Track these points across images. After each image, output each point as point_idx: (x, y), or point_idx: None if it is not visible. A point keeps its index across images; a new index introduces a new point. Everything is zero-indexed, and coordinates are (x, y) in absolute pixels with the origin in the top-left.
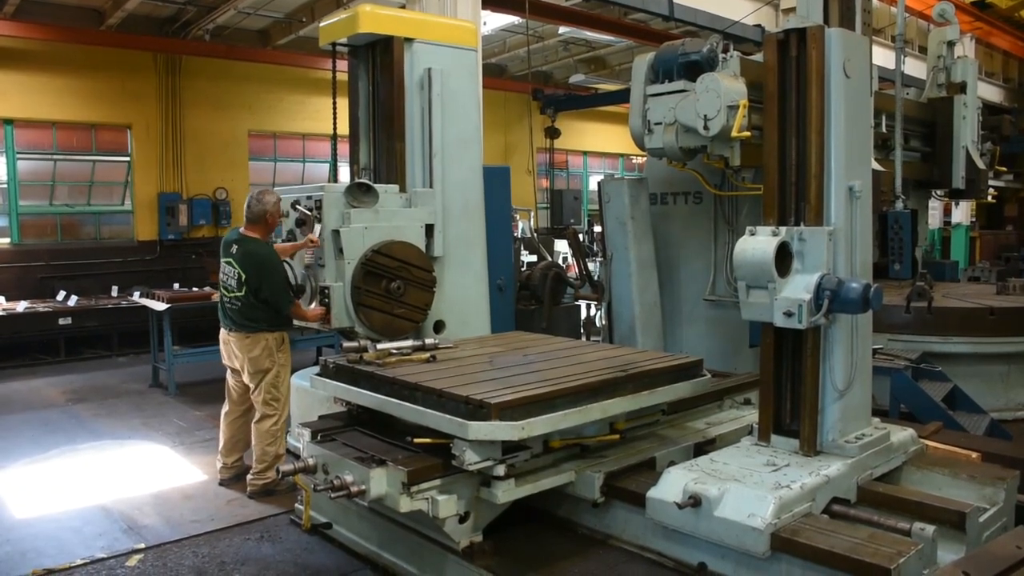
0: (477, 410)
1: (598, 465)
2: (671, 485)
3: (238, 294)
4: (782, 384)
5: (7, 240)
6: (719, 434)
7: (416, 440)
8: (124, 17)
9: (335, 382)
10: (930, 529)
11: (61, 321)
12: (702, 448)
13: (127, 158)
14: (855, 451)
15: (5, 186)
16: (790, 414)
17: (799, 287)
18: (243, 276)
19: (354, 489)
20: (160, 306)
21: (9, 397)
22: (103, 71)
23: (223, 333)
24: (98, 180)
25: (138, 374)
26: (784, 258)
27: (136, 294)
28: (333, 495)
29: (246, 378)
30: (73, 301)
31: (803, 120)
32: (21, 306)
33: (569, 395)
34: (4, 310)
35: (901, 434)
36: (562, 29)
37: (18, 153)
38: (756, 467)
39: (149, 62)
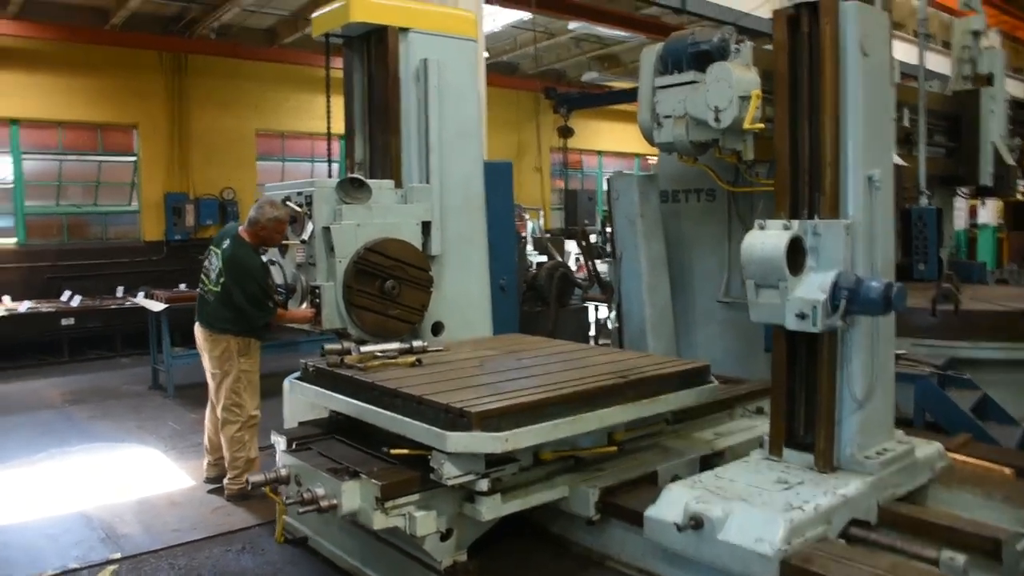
0: (457, 419)
1: (594, 479)
2: (671, 504)
3: (215, 289)
4: (795, 393)
5: (13, 240)
6: (728, 446)
7: (392, 451)
8: (128, 16)
9: (313, 387)
10: (961, 558)
11: (64, 322)
12: (709, 461)
13: (133, 158)
14: (876, 468)
15: (11, 186)
16: (804, 426)
17: (813, 286)
18: (222, 274)
19: (324, 504)
20: (158, 306)
21: (6, 398)
22: (108, 70)
23: (196, 326)
24: (104, 180)
25: (139, 376)
26: (797, 254)
27: (140, 295)
28: (302, 510)
29: (208, 376)
30: (76, 301)
31: (816, 103)
32: (24, 306)
33: (561, 403)
34: (7, 310)
35: (927, 448)
36: (572, 24)
37: (24, 153)
38: (765, 485)
39: (155, 61)
